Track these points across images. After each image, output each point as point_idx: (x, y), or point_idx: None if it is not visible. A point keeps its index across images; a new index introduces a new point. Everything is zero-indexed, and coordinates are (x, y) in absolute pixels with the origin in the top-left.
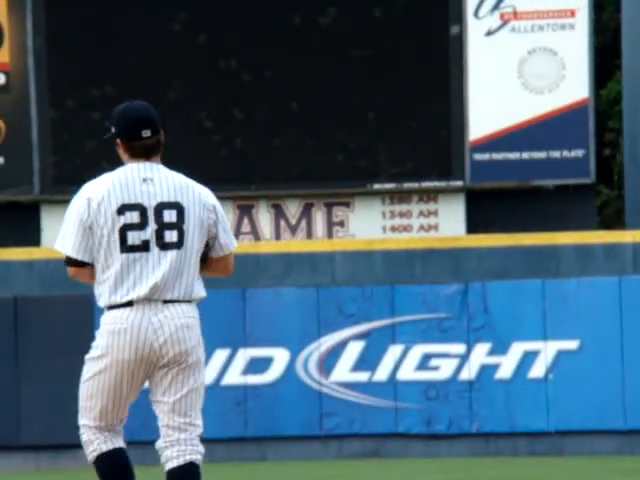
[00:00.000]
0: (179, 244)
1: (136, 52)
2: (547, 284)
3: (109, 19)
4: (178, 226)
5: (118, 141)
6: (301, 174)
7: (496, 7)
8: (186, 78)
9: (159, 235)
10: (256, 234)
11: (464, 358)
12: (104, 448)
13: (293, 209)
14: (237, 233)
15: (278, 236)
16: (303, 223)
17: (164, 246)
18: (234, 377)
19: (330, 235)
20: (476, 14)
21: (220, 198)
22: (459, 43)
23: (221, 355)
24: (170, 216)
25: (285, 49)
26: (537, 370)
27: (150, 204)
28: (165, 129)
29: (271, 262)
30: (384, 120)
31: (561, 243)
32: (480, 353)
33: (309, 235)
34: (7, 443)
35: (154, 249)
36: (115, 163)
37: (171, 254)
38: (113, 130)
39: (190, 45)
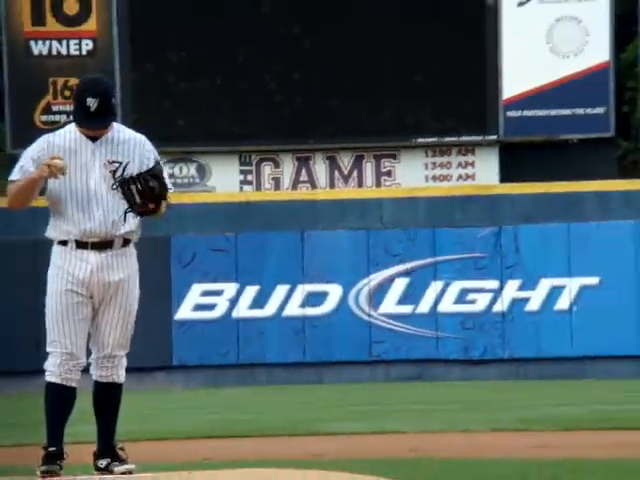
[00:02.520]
0: None
1: (209, 22)
2: (571, 227)
3: None
4: None
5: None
6: (354, 130)
7: None
8: (252, 45)
9: None
10: (313, 183)
11: (497, 293)
12: None
13: (346, 160)
14: (296, 182)
15: (332, 185)
16: (355, 173)
17: None
18: (294, 309)
19: (379, 184)
20: None
21: (281, 151)
22: (494, 13)
23: (282, 290)
24: None
25: (342, 20)
26: (562, 303)
27: None
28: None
29: (326, 208)
30: (428, 82)
31: (584, 190)
32: (512, 288)
33: (360, 184)
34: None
35: None
36: (192, 121)
37: None
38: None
39: (255, 16)
